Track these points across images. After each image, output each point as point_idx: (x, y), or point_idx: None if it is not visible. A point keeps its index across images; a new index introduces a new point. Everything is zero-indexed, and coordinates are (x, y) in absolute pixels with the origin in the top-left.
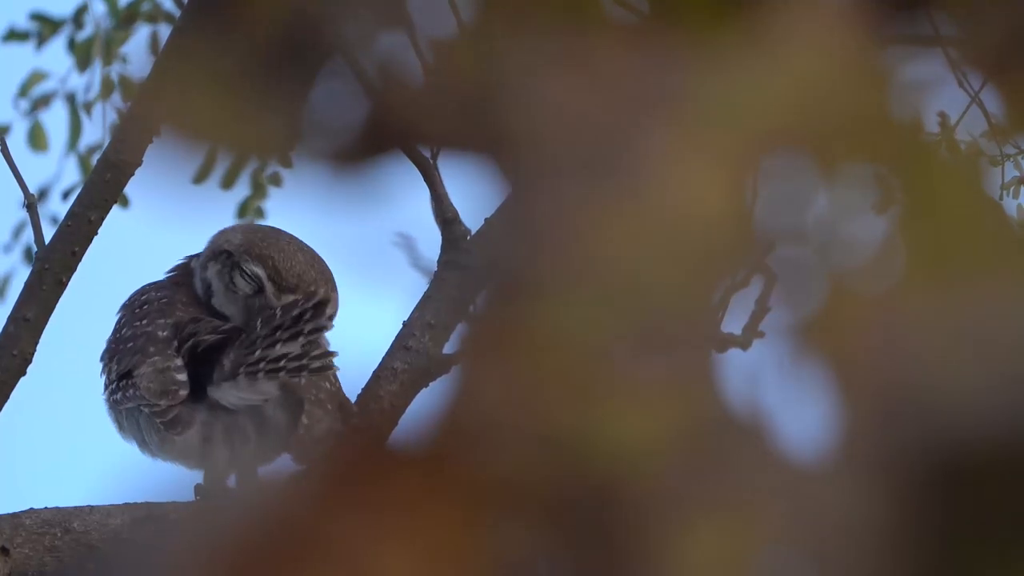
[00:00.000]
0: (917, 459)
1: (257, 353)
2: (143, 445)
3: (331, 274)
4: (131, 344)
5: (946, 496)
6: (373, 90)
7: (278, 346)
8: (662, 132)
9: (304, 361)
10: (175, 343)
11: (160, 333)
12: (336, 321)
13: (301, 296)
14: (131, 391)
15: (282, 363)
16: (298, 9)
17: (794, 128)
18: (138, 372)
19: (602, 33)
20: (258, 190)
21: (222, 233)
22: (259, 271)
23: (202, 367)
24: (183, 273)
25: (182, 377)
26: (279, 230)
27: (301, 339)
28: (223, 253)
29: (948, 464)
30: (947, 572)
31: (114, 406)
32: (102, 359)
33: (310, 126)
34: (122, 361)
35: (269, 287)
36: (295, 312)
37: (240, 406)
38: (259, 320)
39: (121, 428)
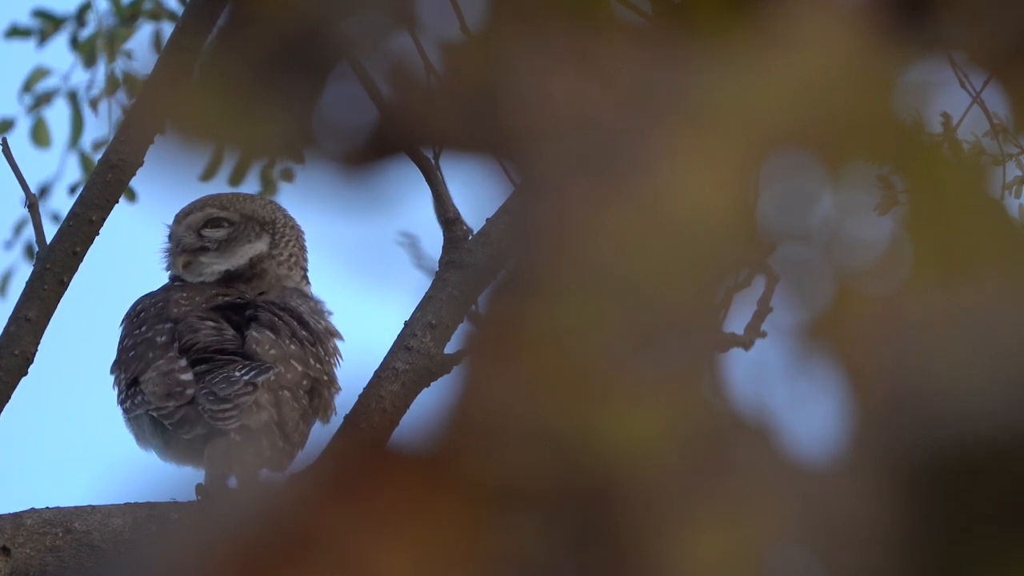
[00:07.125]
0: (923, 458)
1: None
2: (156, 450)
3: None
4: (132, 352)
5: (951, 494)
6: (380, 92)
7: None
8: (668, 132)
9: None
10: (176, 345)
11: (159, 339)
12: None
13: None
14: (139, 398)
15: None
16: (306, 10)
17: (800, 128)
18: (144, 378)
19: (609, 34)
20: (268, 186)
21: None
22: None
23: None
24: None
25: (187, 377)
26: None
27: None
28: None
29: (953, 463)
30: (951, 569)
31: (126, 414)
32: (111, 371)
33: (319, 128)
34: (128, 369)
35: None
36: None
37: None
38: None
39: (139, 438)
